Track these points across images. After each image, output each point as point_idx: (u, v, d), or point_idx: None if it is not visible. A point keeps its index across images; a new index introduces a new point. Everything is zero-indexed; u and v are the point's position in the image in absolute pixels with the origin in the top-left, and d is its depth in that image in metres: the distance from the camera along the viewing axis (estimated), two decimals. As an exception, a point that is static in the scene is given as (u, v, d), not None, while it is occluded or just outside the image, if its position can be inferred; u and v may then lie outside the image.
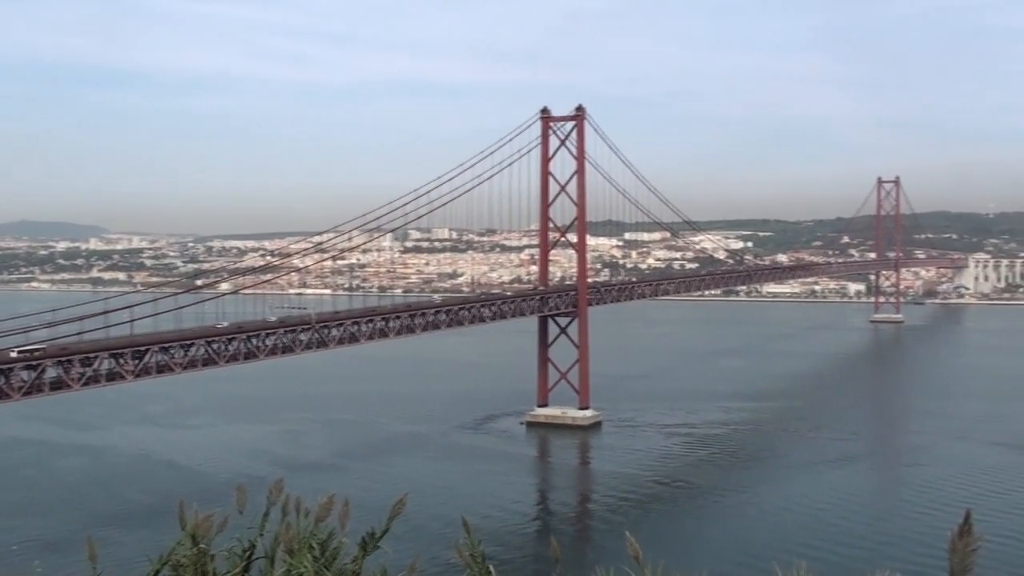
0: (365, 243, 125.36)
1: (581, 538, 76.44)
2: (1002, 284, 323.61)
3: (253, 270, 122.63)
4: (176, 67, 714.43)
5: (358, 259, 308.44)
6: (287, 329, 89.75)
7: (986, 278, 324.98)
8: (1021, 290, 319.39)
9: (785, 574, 5.40)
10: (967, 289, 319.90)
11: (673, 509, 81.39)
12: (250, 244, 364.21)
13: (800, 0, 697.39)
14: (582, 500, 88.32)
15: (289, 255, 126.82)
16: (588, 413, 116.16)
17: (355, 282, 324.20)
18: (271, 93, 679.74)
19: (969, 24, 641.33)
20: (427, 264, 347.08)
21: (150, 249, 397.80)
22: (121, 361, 76.86)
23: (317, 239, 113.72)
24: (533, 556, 68.48)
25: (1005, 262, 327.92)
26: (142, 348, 77.97)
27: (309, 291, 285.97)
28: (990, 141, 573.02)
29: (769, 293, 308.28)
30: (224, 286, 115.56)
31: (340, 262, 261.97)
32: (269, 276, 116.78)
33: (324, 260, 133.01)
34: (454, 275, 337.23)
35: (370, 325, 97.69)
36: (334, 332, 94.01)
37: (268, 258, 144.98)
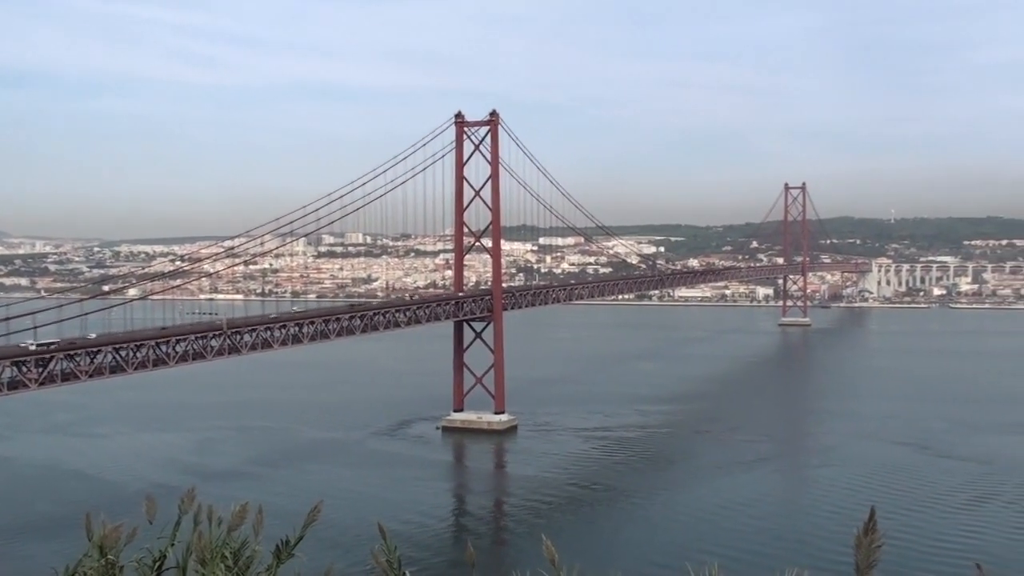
0: (278, 248, 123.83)
1: (497, 542, 76.52)
2: (903, 288, 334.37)
3: (162, 275, 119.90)
4: (79, 67, 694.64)
5: (271, 264, 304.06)
6: (198, 335, 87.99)
7: (888, 282, 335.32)
8: (921, 294, 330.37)
9: (698, 574, 5.49)
10: (870, 293, 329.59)
11: (589, 512, 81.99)
12: (159, 249, 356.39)
13: (707, 9, 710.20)
14: (498, 504, 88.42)
15: (200, 260, 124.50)
16: (504, 417, 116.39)
17: (268, 287, 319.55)
18: (179, 95, 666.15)
19: (870, 36, 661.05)
20: (341, 269, 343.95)
21: (54, 254, 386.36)
22: (24, 369, 74.50)
23: (229, 244, 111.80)
24: (449, 561, 68.30)
25: (906, 267, 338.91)
26: (46, 356, 75.72)
27: (220, 296, 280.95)
28: (892, 149, 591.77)
29: (681, 297, 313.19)
30: (132, 291, 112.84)
31: (252, 267, 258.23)
32: (179, 281, 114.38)
33: (236, 265, 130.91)
34: (368, 280, 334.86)
35: (283, 331, 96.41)
36: (247, 338, 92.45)
37: (178, 263, 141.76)
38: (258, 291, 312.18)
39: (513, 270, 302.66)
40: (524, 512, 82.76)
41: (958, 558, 61.90)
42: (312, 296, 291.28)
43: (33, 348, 74.73)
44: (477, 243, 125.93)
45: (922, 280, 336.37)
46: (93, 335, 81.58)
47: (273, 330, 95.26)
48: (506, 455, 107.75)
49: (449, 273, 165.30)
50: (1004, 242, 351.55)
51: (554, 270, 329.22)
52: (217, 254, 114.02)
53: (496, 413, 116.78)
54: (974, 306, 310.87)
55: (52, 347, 75.77)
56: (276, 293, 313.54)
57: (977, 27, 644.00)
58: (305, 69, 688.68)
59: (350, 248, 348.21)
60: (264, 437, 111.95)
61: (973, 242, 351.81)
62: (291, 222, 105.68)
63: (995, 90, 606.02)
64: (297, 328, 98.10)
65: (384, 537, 5.88)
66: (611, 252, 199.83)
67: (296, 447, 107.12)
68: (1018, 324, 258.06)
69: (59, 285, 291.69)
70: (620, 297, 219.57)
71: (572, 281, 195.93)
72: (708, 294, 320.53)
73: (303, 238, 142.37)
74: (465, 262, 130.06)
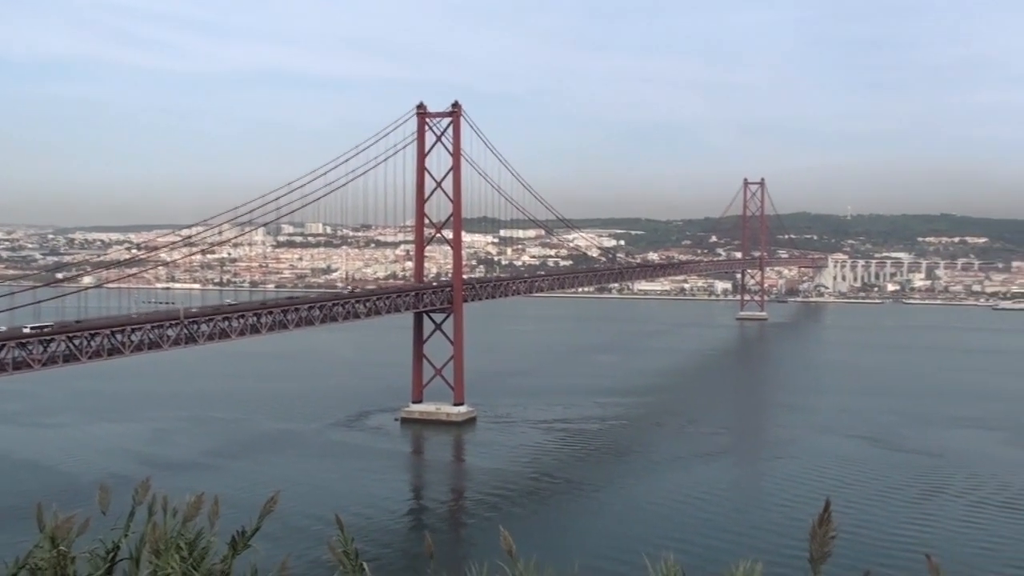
0: (236, 237, 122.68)
1: (455, 533, 76.57)
2: (858, 283, 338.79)
3: (118, 263, 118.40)
4: (28, 50, 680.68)
5: (229, 253, 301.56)
6: (154, 324, 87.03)
7: (843, 277, 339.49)
8: (875, 289, 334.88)
9: (654, 565, 5.52)
10: (826, 288, 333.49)
11: (547, 503, 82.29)
12: (115, 237, 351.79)
13: (665, 4, 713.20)
14: (456, 496, 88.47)
15: (156, 248, 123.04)
16: (463, 409, 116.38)
17: (226, 277, 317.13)
18: (133, 81, 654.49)
19: (826, 32, 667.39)
20: (300, 259, 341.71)
21: (6, 240, 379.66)
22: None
23: (186, 232, 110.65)
24: (407, 552, 68.29)
25: (861, 262, 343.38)
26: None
27: (178, 285, 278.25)
28: (848, 146, 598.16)
29: (640, 290, 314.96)
30: (87, 279, 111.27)
31: (210, 256, 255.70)
32: (135, 270, 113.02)
33: (193, 254, 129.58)
34: (328, 270, 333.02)
35: (241, 321, 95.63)
36: (204, 328, 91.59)
37: (134, 251, 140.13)
38: (216, 281, 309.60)
39: (474, 262, 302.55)
40: (482, 503, 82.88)
41: (909, 549, 62.88)
42: (271, 286, 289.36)
43: None
44: (438, 234, 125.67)
45: (877, 276, 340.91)
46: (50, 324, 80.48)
47: (231, 320, 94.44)
48: (465, 447, 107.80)
49: (409, 264, 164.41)
50: (956, 239, 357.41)
51: (515, 262, 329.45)
52: (174, 243, 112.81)
53: (455, 405, 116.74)
54: (927, 302, 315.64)
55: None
56: (234, 283, 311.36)
57: (928, 26, 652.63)
58: (264, 56, 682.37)
59: (310, 238, 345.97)
60: (221, 427, 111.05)
61: (926, 239, 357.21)
62: (250, 211, 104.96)
63: (946, 88, 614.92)
64: (255, 318, 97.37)
65: (341, 528, 5.86)
66: (572, 245, 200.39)
67: (253, 438, 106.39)
68: (968, 320, 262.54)
69: (11, 272, 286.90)
70: (580, 290, 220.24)
71: (532, 273, 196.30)
72: (667, 288, 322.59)
73: (262, 228, 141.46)
74: (426, 253, 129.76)
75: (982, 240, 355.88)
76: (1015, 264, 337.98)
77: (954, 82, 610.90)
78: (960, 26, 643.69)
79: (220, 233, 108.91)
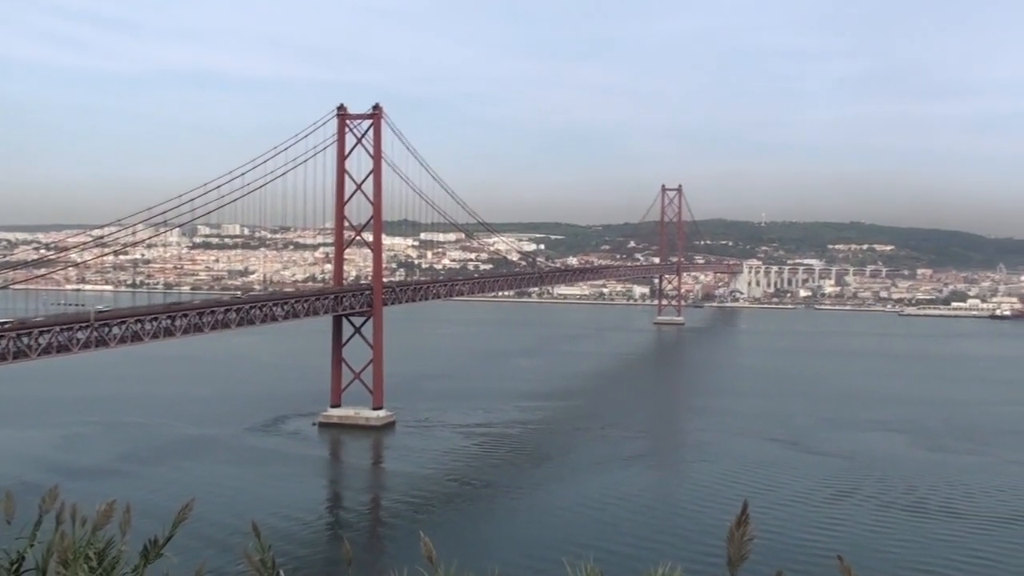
0: (150, 238, 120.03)
1: (374, 539, 76.01)
2: (772, 289, 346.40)
3: (26, 264, 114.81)
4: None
5: (142, 255, 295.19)
6: (63, 327, 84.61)
7: (758, 283, 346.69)
8: (788, 295, 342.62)
9: (573, 569, 5.54)
10: (741, 293, 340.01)
11: (467, 508, 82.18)
12: (22, 236, 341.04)
13: (586, 10, 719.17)
14: (375, 501, 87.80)
15: (66, 249, 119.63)
16: (381, 413, 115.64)
17: (139, 278, 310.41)
18: (44, 78, 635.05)
19: (740, 41, 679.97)
20: (217, 261, 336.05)
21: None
22: None
23: (98, 232, 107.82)
24: (326, 559, 67.56)
25: (775, 268, 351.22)
26: None
27: (88, 287, 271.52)
28: (762, 154, 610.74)
29: (560, 295, 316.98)
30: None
31: (123, 257, 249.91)
32: (44, 271, 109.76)
33: (105, 255, 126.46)
34: (245, 273, 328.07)
35: (155, 323, 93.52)
36: (116, 330, 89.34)
37: (43, 251, 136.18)
38: (129, 282, 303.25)
39: (394, 265, 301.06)
40: (402, 508, 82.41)
41: (822, 550, 64.33)
42: (186, 288, 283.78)
43: None
44: (358, 237, 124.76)
45: (790, 282, 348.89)
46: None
47: (144, 322, 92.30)
48: (383, 451, 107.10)
49: (329, 267, 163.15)
50: (865, 246, 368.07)
51: (435, 266, 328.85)
52: (85, 243, 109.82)
53: (374, 409, 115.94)
54: (837, 307, 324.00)
55: None
56: (148, 284, 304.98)
57: (837, 38, 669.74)
58: (181, 56, 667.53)
59: (226, 240, 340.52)
60: (134, 433, 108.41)
61: (836, 246, 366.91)
62: (164, 212, 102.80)
63: (855, 99, 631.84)
64: (169, 321, 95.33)
65: (257, 535, 5.76)
66: (492, 249, 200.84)
67: (167, 443, 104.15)
68: (876, 325, 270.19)
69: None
70: (500, 294, 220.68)
71: (453, 277, 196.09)
72: (587, 292, 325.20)
73: (177, 229, 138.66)
74: (345, 256, 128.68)
75: (889, 248, 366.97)
76: (920, 271, 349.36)
77: (856, 94, 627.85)
78: (862, 41, 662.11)
79: (134, 234, 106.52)
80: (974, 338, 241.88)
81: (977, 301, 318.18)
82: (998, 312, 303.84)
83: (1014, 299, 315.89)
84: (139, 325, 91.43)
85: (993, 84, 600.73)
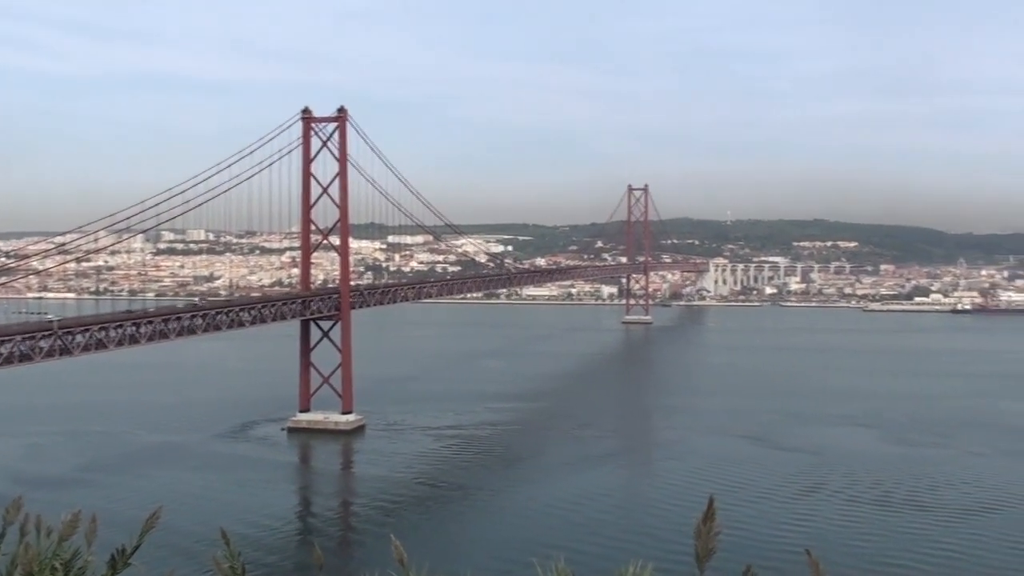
0: (113, 244, 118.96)
1: (345, 543, 75.68)
2: (738, 287, 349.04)
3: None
4: None
5: (106, 261, 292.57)
6: (25, 336, 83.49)
7: (724, 281, 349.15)
8: (754, 292, 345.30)
9: (544, 569, 5.57)
10: (708, 292, 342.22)
11: (439, 511, 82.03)
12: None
13: (550, 12, 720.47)
14: (346, 505, 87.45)
15: (27, 256, 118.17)
16: (351, 417, 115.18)
17: (103, 285, 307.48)
18: (8, 82, 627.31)
19: (706, 42, 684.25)
20: (182, 267, 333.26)
21: None
22: None
23: (59, 239, 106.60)
24: (296, 564, 67.19)
25: (741, 266, 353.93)
26: None
27: (51, 295, 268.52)
28: (728, 153, 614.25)
29: (528, 296, 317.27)
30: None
31: (86, 264, 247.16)
32: (4, 279, 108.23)
33: (68, 262, 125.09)
34: (211, 278, 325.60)
35: (119, 331, 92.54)
36: (79, 338, 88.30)
37: (3, 260, 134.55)
38: (92, 289, 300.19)
39: (362, 268, 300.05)
40: (372, 512, 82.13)
41: (790, 545, 64.87)
42: (151, 295, 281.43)
43: None
44: (325, 241, 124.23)
45: (755, 279, 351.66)
46: None
47: (108, 330, 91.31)
48: (353, 455, 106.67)
49: (296, 271, 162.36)
50: (829, 244, 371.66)
51: (403, 268, 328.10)
52: (47, 250, 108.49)
53: (343, 413, 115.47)
54: (802, 304, 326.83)
55: None
56: (111, 291, 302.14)
57: (801, 38, 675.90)
58: (144, 59, 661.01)
59: (191, 245, 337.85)
60: (100, 441, 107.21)
61: (801, 244, 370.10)
62: (128, 218, 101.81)
63: (817, 98, 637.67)
64: (134, 328, 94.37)
65: (227, 542, 5.74)
66: (460, 251, 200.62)
67: (134, 451, 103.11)
68: (841, 321, 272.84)
69: None
70: (469, 296, 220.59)
71: (421, 279, 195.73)
72: (555, 293, 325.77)
73: (141, 234, 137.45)
74: (312, 260, 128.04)
75: (852, 245, 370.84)
76: (883, 267, 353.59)
77: (822, 93, 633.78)
78: (826, 41, 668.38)
79: (96, 241, 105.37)
80: (936, 332, 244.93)
81: (939, 296, 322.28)
82: (959, 307, 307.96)
83: (974, 293, 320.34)
84: (103, 333, 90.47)
85: (955, 83, 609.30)
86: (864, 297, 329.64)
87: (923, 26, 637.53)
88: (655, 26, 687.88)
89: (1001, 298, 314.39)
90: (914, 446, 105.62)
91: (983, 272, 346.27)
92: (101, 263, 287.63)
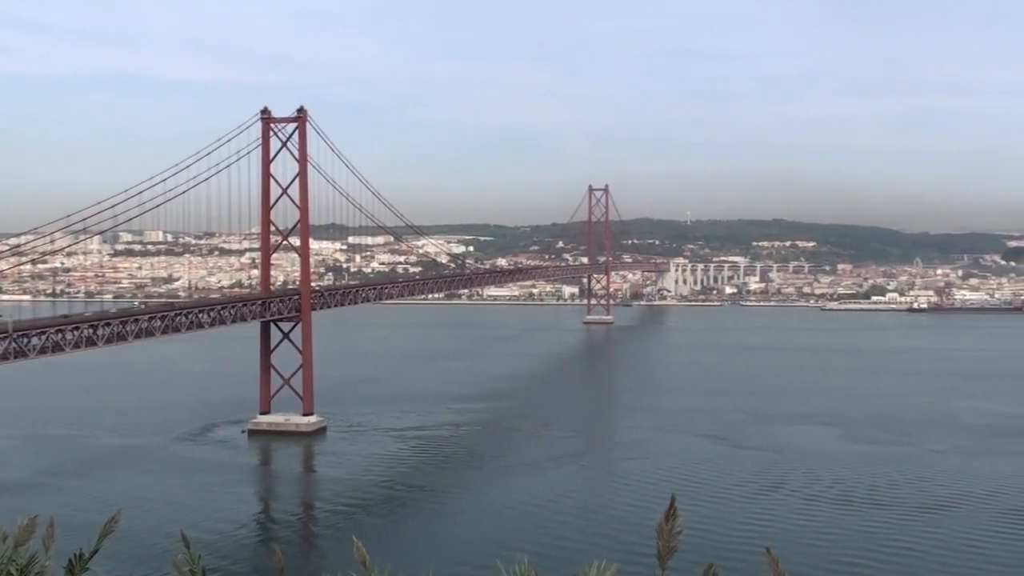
0: (70, 246, 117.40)
1: (307, 546, 75.25)
2: (698, 287, 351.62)
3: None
4: None
5: (62, 263, 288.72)
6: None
7: (685, 281, 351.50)
8: (715, 292, 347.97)
9: (507, 569, 5.57)
10: (668, 291, 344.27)
11: (401, 512, 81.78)
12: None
13: (518, 12, 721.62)
14: (307, 507, 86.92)
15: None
16: (312, 419, 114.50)
17: (59, 287, 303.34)
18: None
19: (667, 43, 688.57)
20: (140, 268, 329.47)
21: None
22: None
23: (14, 241, 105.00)
24: (256, 567, 66.65)
25: (701, 266, 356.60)
26: None
27: (5, 297, 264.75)
28: (688, 154, 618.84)
29: (490, 296, 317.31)
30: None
31: (41, 266, 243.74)
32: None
33: (22, 264, 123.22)
34: (170, 279, 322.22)
35: (76, 333, 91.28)
36: (35, 341, 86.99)
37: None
38: (48, 291, 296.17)
39: (322, 269, 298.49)
40: (334, 514, 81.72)
41: (751, 543, 65.37)
42: (109, 296, 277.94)
43: None
44: (285, 242, 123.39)
45: (715, 279, 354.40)
46: None
47: (65, 332, 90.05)
48: (315, 457, 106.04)
49: (255, 272, 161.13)
50: (788, 243, 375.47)
51: (364, 269, 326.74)
52: (1, 252, 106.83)
53: (304, 415, 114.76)
54: (762, 303, 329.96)
55: None
56: (68, 293, 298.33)
57: (762, 39, 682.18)
58: (100, 58, 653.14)
59: (149, 247, 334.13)
60: (56, 445, 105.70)
61: (761, 243, 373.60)
62: (85, 219, 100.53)
63: (776, 100, 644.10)
64: (92, 330, 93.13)
65: (187, 546, 5.70)
66: (421, 251, 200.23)
67: (92, 454, 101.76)
68: (800, 320, 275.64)
69: None
70: (430, 296, 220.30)
71: (382, 280, 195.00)
72: (516, 293, 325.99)
73: (98, 236, 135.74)
74: (272, 261, 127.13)
75: (811, 244, 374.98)
76: (840, 267, 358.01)
77: (782, 94, 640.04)
78: (787, 41, 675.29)
79: (52, 242, 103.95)
80: (893, 331, 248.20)
81: (895, 295, 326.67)
82: (915, 305, 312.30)
83: (930, 292, 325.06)
84: (60, 335, 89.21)
85: (914, 83, 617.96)
86: (822, 296, 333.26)
87: (884, 29, 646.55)
88: (616, 27, 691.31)
89: (956, 297, 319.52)
90: (873, 444, 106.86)
91: (938, 271, 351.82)
92: (58, 264, 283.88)
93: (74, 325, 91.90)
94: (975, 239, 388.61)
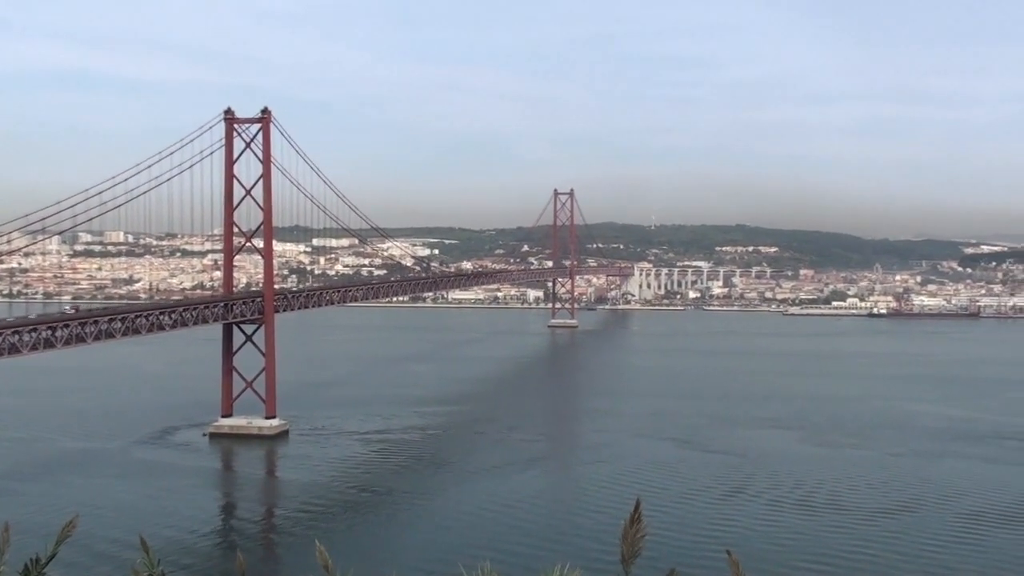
0: (27, 246, 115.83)
1: (269, 550, 74.67)
2: (662, 291, 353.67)
3: None
4: None
5: (19, 263, 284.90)
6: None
7: (649, 285, 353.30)
8: (678, 296, 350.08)
9: (471, 573, 5.56)
10: (633, 296, 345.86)
11: (364, 516, 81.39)
12: None
13: (484, 16, 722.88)
14: (268, 512, 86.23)
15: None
16: (275, 422, 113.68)
17: (16, 288, 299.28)
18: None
19: (632, 49, 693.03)
20: (100, 269, 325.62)
21: None
22: None
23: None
24: (219, 571, 66.06)
25: (665, 271, 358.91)
26: None
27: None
28: (652, 158, 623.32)
29: (455, 299, 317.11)
30: None
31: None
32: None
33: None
34: (131, 281, 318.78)
35: (33, 335, 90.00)
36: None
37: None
38: (4, 292, 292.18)
39: (286, 271, 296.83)
40: (296, 518, 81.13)
41: (712, 546, 65.73)
42: (68, 297, 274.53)
43: None
44: (248, 243, 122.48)
45: (679, 283, 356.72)
46: None
47: (21, 334, 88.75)
48: (277, 461, 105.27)
49: (218, 274, 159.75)
50: (751, 248, 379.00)
51: (328, 272, 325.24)
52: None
53: (267, 418, 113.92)
54: (725, 308, 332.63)
55: None
56: (26, 294, 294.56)
57: (726, 46, 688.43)
58: (59, 56, 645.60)
59: (110, 247, 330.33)
60: (12, 448, 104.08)
61: (724, 248, 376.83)
62: (43, 219, 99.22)
63: (740, 106, 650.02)
64: (50, 332, 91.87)
65: (146, 550, 5.63)
66: (386, 254, 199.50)
67: (49, 458, 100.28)
68: (762, 324, 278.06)
69: None
70: (395, 299, 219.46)
71: (346, 283, 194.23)
72: (481, 296, 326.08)
73: (57, 236, 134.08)
74: (235, 263, 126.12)
75: (773, 250, 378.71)
76: (802, 272, 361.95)
77: (746, 100, 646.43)
78: (753, 48, 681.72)
79: (9, 242, 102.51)
80: (853, 336, 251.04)
81: (856, 300, 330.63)
82: (875, 310, 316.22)
83: (889, 298, 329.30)
84: (16, 337, 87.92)
85: (875, 91, 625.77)
86: (784, 301, 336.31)
87: (846, 38, 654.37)
88: (583, 31, 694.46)
89: (914, 302, 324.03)
90: (835, 447, 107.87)
91: (897, 277, 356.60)
92: (15, 265, 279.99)
93: (31, 327, 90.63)
94: (933, 246, 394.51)
